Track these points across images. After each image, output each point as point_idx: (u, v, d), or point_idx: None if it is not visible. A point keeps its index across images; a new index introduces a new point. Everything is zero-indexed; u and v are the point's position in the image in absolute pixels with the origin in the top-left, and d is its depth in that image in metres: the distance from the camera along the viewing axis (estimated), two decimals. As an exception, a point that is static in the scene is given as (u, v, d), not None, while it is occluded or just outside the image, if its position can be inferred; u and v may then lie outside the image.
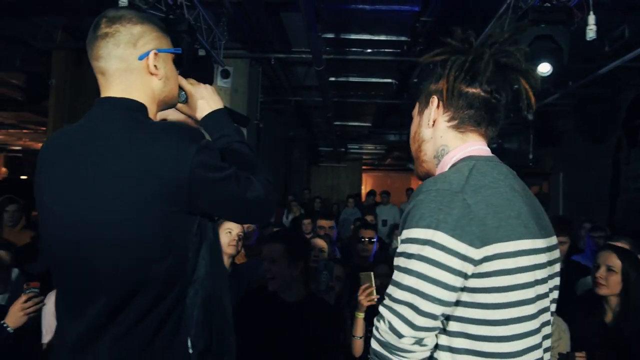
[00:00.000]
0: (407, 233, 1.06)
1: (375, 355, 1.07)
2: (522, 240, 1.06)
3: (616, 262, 2.37)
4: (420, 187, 1.11)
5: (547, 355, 1.17)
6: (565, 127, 8.81)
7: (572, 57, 3.57)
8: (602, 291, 2.38)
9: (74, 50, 6.69)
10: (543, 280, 1.12)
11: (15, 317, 2.20)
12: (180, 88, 1.42)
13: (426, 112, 1.29)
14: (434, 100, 1.26)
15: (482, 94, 1.21)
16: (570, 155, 8.71)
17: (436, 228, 1.01)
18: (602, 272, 2.39)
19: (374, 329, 1.09)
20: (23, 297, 2.23)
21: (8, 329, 2.18)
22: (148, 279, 1.16)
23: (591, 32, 3.32)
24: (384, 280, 2.55)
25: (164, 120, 1.42)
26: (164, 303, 1.18)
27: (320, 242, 3.18)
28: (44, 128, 12.95)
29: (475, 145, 1.22)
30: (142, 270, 1.16)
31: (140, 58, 1.25)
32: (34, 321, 2.35)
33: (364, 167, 18.26)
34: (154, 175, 1.13)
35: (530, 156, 8.70)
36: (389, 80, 7.80)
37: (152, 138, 1.17)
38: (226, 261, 2.92)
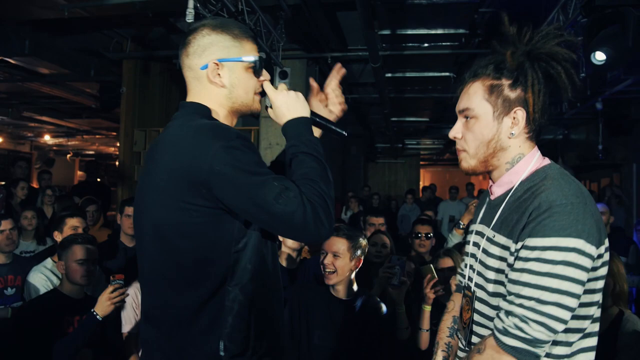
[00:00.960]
0: (543, 241, 1.15)
1: (516, 352, 1.16)
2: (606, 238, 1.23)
3: None
4: (546, 200, 1.18)
5: None
6: (638, 115, 8.31)
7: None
8: None
9: (141, 59, 7.08)
10: None
11: (103, 306, 2.39)
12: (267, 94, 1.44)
13: (506, 121, 1.31)
14: (522, 114, 1.29)
15: (546, 106, 1.31)
16: (644, 145, 8.22)
17: (578, 237, 1.14)
18: None
19: (508, 328, 1.16)
20: (110, 288, 2.41)
21: (97, 317, 2.37)
22: (176, 267, 1.28)
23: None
24: (447, 273, 2.56)
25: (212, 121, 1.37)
26: (195, 296, 1.27)
27: (384, 238, 3.21)
28: (114, 133, 13.75)
29: (538, 150, 1.35)
30: (171, 259, 1.29)
31: (202, 68, 1.36)
32: (116, 312, 2.55)
33: (422, 163, 18.01)
34: (182, 169, 1.22)
35: (600, 147, 8.28)
36: (447, 74, 7.68)
37: (186, 136, 1.26)
38: (292, 256, 3.00)
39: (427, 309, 2.48)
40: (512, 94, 1.30)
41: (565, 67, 1.27)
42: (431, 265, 2.50)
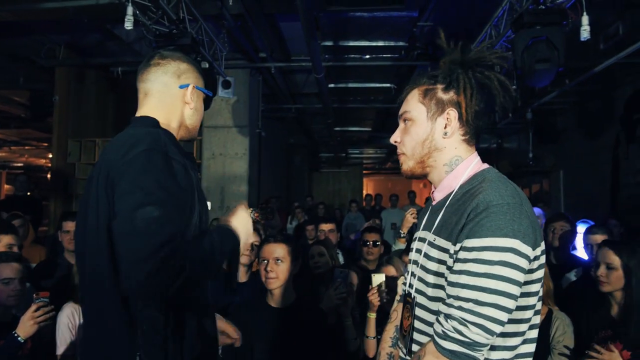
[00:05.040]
0: (480, 242, 1.17)
1: (454, 355, 1.15)
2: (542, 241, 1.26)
3: (614, 259, 2.41)
4: (483, 201, 1.21)
5: None
6: (565, 124, 8.88)
7: (569, 56, 3.65)
8: (606, 288, 2.43)
9: (76, 66, 6.78)
10: None
11: (25, 327, 2.23)
12: None
13: (440, 121, 1.36)
14: (454, 114, 1.34)
15: (481, 111, 1.35)
16: (570, 152, 8.77)
17: (514, 237, 1.16)
18: (602, 270, 2.44)
19: (447, 331, 1.16)
20: (33, 307, 2.26)
21: (19, 338, 2.21)
22: (107, 268, 1.32)
23: (585, 32, 3.40)
24: (390, 281, 2.60)
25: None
26: (112, 304, 1.32)
27: (316, 248, 3.17)
28: (45, 144, 13.04)
29: (477, 156, 1.39)
30: (92, 263, 1.35)
31: (181, 87, 1.58)
32: (49, 333, 2.40)
33: (365, 172, 18.32)
34: (104, 175, 1.31)
35: (530, 155, 8.77)
36: (388, 85, 7.88)
37: (115, 142, 1.39)
38: (242, 271, 2.99)
39: (372, 316, 2.50)
40: (445, 96, 1.35)
41: (496, 75, 1.33)
42: (384, 274, 2.53)
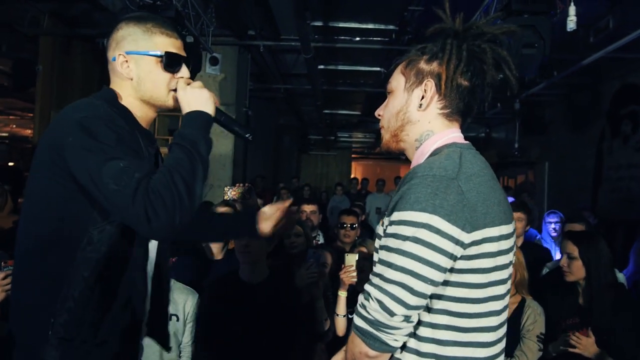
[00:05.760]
0: (399, 215, 1.08)
1: (360, 332, 1.09)
2: (503, 225, 1.14)
3: (574, 249, 2.46)
4: (413, 171, 1.13)
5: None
6: (552, 117, 8.92)
7: (558, 48, 3.65)
8: (569, 278, 2.49)
9: (62, 36, 6.63)
10: (510, 263, 1.22)
11: None
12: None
13: (416, 92, 1.25)
14: (430, 85, 1.23)
15: (470, 87, 1.23)
16: (556, 144, 8.83)
17: (432, 212, 1.05)
18: (564, 260, 2.50)
19: (358, 306, 1.11)
20: (1, 275, 2.26)
21: None
22: (32, 236, 1.31)
23: (571, 22, 3.39)
24: (362, 262, 2.62)
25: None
26: (40, 265, 1.28)
27: (295, 229, 3.11)
28: (31, 114, 12.83)
29: (456, 132, 1.26)
30: (29, 228, 1.32)
31: (113, 59, 1.40)
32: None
33: (353, 156, 18.31)
34: (50, 139, 1.28)
35: (516, 145, 8.81)
36: (378, 69, 7.84)
37: (60, 113, 1.32)
38: (218, 249, 3.00)
39: (343, 294, 2.53)
40: (427, 67, 1.24)
41: (494, 48, 1.21)
42: (357, 254, 2.54)
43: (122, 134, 1.26)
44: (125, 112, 1.38)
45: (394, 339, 1.08)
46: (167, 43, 1.40)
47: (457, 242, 1.07)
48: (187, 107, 1.34)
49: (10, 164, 7.88)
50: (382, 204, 8.56)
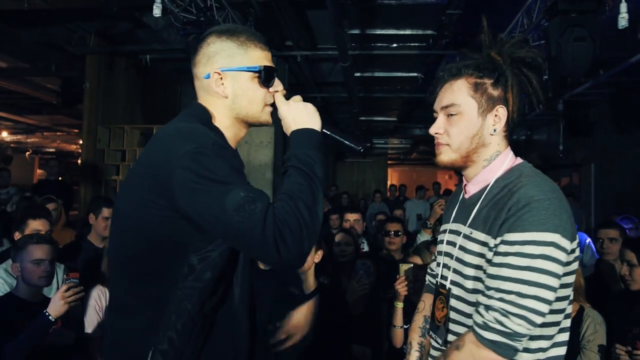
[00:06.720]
0: (522, 236, 1.20)
1: (494, 345, 1.18)
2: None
3: (632, 256, 2.37)
4: (525, 196, 1.23)
5: None
6: (598, 117, 8.62)
7: (604, 46, 3.53)
8: (633, 287, 2.39)
9: (106, 54, 6.89)
10: None
11: (56, 306, 2.29)
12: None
13: (489, 118, 1.36)
14: (503, 111, 1.35)
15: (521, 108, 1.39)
16: (602, 146, 8.52)
17: (555, 231, 1.19)
18: (625, 269, 2.41)
19: (489, 322, 1.19)
20: (64, 287, 2.33)
21: (50, 317, 2.28)
22: (129, 260, 1.26)
23: (623, 20, 3.28)
24: (417, 272, 2.59)
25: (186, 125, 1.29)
26: (141, 293, 1.23)
27: (343, 237, 3.14)
28: (76, 130, 13.35)
29: (511, 150, 1.40)
30: (126, 251, 1.27)
31: (206, 77, 1.32)
32: (78, 313, 2.45)
33: (389, 162, 18.21)
34: (152, 166, 1.20)
35: (561, 147, 8.55)
36: (415, 74, 7.77)
37: (165, 134, 1.24)
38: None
39: (399, 305, 2.50)
40: (495, 92, 1.35)
41: (537, 73, 1.36)
42: (412, 265, 2.51)
43: (232, 162, 1.19)
44: (222, 135, 1.31)
45: (521, 344, 1.21)
46: (262, 56, 1.34)
47: (568, 252, 1.22)
48: (293, 125, 1.29)
49: (59, 178, 8.18)
50: (422, 211, 8.47)
